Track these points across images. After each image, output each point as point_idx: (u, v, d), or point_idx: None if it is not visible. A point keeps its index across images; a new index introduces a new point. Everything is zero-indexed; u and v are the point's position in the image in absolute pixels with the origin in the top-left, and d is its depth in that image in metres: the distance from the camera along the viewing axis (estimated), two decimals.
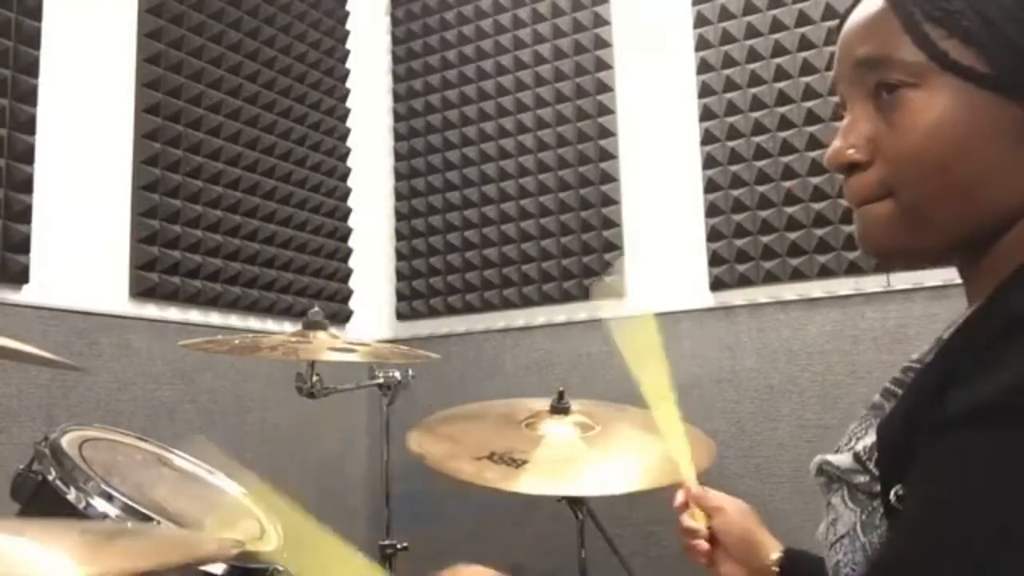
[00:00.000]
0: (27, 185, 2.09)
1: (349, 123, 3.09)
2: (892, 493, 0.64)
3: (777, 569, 1.02)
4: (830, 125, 2.40)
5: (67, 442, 1.46)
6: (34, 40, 2.14)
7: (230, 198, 2.58)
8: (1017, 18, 0.67)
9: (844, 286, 2.37)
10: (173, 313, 2.42)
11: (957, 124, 0.69)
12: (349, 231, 3.04)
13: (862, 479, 0.70)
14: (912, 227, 0.72)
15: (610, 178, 2.73)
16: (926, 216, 0.71)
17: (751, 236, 2.49)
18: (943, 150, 0.69)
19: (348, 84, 3.10)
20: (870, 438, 0.71)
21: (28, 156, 2.10)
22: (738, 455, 2.43)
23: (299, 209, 2.83)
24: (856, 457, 0.71)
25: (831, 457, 0.74)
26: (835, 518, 0.73)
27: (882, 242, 0.75)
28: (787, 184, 2.45)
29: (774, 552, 1.04)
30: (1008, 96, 0.68)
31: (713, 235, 2.54)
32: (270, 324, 2.71)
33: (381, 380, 2.02)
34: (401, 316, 3.08)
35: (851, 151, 0.74)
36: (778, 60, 2.49)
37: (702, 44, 2.61)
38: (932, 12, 0.69)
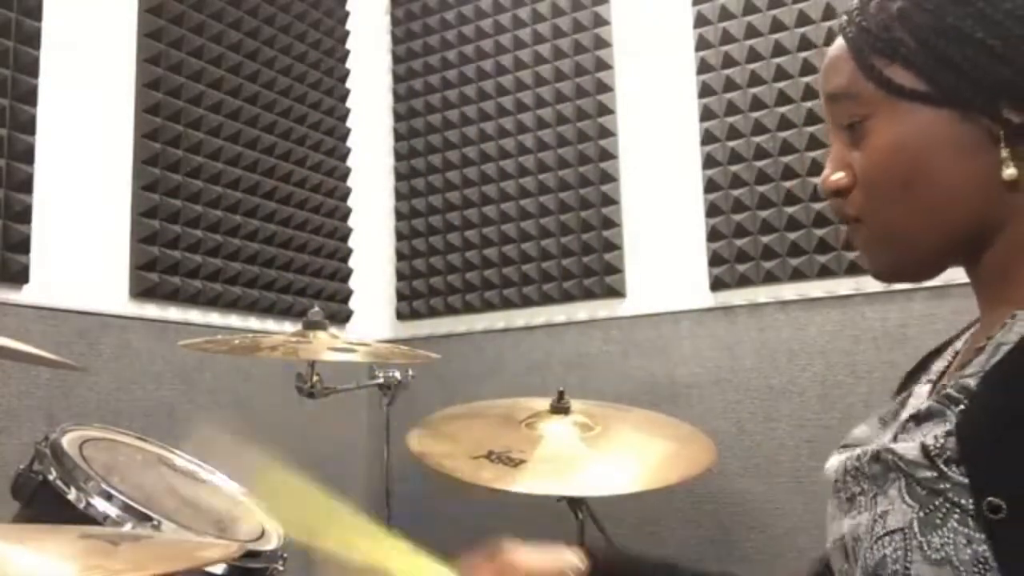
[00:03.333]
0: (27, 185, 2.09)
1: (349, 123, 3.09)
2: (985, 503, 0.64)
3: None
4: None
5: (68, 442, 1.46)
6: (34, 40, 2.14)
7: (230, 198, 2.58)
8: (949, 36, 0.72)
9: (844, 286, 2.37)
10: (173, 313, 2.42)
11: (913, 144, 0.74)
12: (349, 231, 3.04)
13: (928, 474, 0.68)
14: (893, 246, 0.78)
15: (610, 178, 2.73)
16: (902, 234, 0.77)
17: (751, 236, 2.49)
18: (904, 169, 0.75)
19: (348, 84, 3.10)
20: (932, 435, 0.69)
21: (28, 156, 2.10)
22: (738, 455, 2.43)
23: (299, 209, 2.83)
24: (924, 449, 0.69)
25: (895, 445, 0.72)
26: (886, 511, 0.71)
27: (874, 265, 0.81)
28: (787, 184, 2.46)
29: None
30: (955, 110, 0.72)
31: (713, 235, 2.54)
32: (270, 324, 2.71)
33: (381, 380, 2.02)
34: (401, 316, 3.08)
35: (835, 177, 0.80)
36: (778, 60, 2.49)
37: (702, 44, 2.61)
38: (876, 44, 0.76)
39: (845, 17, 0.80)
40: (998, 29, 0.71)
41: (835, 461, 0.82)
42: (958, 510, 0.66)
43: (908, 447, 0.70)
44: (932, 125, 0.73)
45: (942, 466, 0.67)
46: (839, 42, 0.80)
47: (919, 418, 0.73)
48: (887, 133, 0.75)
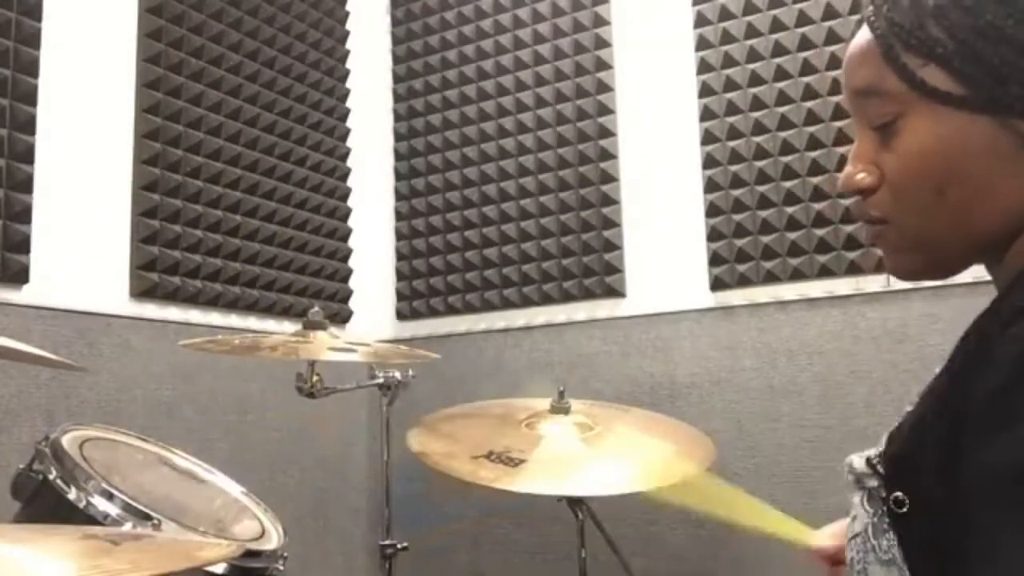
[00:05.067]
0: (27, 185, 2.09)
1: (349, 123, 3.09)
2: (891, 498, 0.68)
3: None
4: (830, 125, 2.41)
5: (68, 441, 1.46)
6: (34, 40, 2.14)
7: (230, 198, 2.58)
8: (989, 36, 0.68)
9: (844, 286, 2.37)
10: (173, 313, 2.42)
11: (947, 148, 0.71)
12: (349, 231, 3.04)
13: (873, 483, 0.73)
14: (920, 250, 0.76)
15: (610, 178, 2.73)
16: (930, 239, 0.74)
17: (751, 236, 2.49)
18: (937, 174, 0.71)
19: (348, 84, 3.10)
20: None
21: (28, 156, 2.10)
22: (738, 455, 2.43)
23: (299, 209, 2.83)
24: (868, 461, 0.74)
25: (853, 458, 0.77)
26: (855, 516, 0.76)
27: (897, 266, 0.78)
28: (787, 184, 2.45)
29: None
30: (992, 115, 0.69)
31: (713, 235, 2.54)
32: (270, 324, 2.71)
33: (381, 380, 2.01)
34: (401, 316, 3.08)
35: (860, 176, 0.77)
36: (778, 60, 2.49)
37: (702, 44, 2.61)
38: (909, 42, 0.71)
39: (871, 7, 0.75)
40: None
41: None
42: None
43: (859, 460, 0.75)
44: (968, 131, 0.70)
45: (881, 471, 0.72)
46: (865, 34, 0.75)
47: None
48: (920, 136, 0.72)
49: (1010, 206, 0.71)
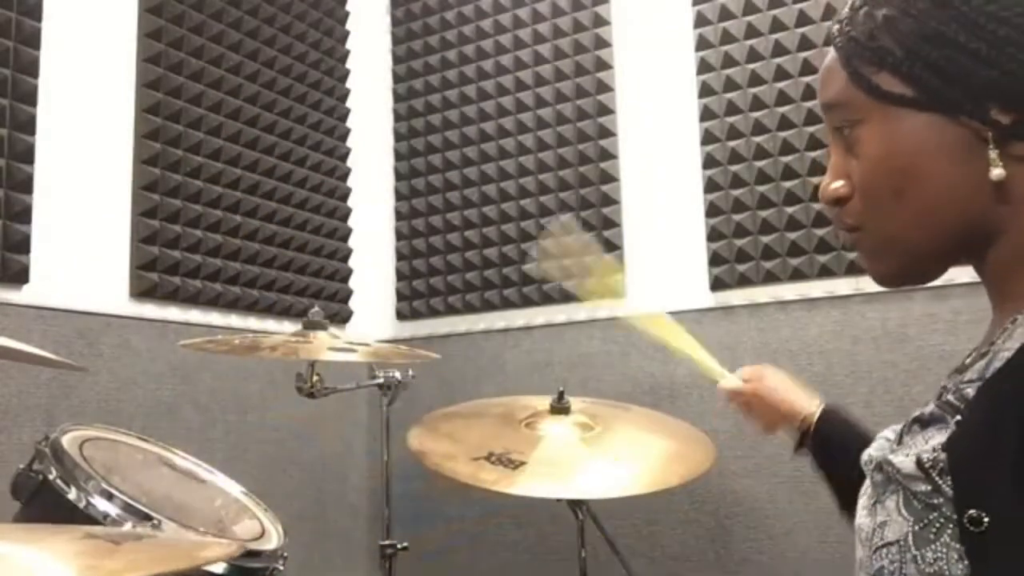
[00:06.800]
0: (27, 185, 2.09)
1: (349, 123, 3.09)
2: (966, 516, 0.64)
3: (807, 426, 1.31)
4: None
5: (68, 441, 1.46)
6: (34, 40, 2.14)
7: (230, 198, 2.58)
8: (935, 41, 0.73)
9: (844, 286, 2.37)
10: (173, 313, 2.42)
11: (903, 148, 0.75)
12: (349, 231, 3.04)
13: (923, 488, 0.68)
14: (894, 253, 0.79)
15: (610, 178, 2.73)
16: (900, 241, 0.77)
17: (751, 236, 2.49)
18: (895, 176, 0.75)
19: (348, 84, 3.10)
20: (930, 446, 0.69)
21: (28, 156, 2.10)
22: (738, 455, 2.43)
23: (299, 209, 2.83)
24: (919, 463, 0.69)
25: (893, 458, 0.72)
26: (885, 521, 0.72)
27: (877, 271, 0.81)
28: (787, 184, 2.45)
29: (808, 410, 1.34)
30: (943, 114, 0.73)
31: (713, 235, 2.54)
32: (270, 324, 2.71)
33: (381, 380, 2.01)
34: (401, 316, 3.08)
35: (835, 185, 0.81)
36: (778, 60, 2.49)
37: (702, 44, 2.61)
38: (864, 54, 0.77)
39: (836, 27, 0.81)
40: (981, 32, 0.71)
41: (867, 451, 0.82)
42: (951, 525, 0.66)
43: (905, 461, 0.71)
44: (921, 130, 0.74)
45: (936, 478, 0.67)
46: (831, 52, 0.81)
47: (923, 422, 0.74)
48: (878, 139, 0.76)
49: (967, 205, 0.74)
